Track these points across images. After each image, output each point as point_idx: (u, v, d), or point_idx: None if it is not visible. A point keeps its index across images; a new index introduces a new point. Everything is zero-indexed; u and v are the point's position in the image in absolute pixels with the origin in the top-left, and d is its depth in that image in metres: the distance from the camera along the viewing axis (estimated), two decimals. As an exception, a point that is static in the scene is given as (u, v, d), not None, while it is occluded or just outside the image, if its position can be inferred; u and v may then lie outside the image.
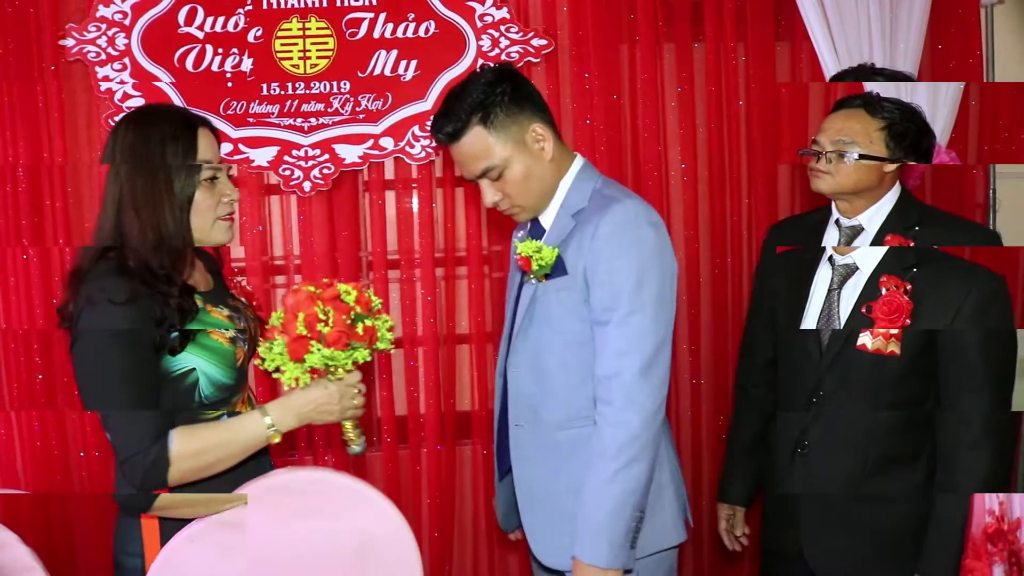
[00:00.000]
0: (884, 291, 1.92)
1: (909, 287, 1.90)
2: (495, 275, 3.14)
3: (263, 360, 1.74)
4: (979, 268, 1.88)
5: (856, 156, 1.93)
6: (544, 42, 2.96)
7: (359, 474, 3.04)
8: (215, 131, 1.81)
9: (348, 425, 1.84)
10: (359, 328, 1.71)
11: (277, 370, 1.72)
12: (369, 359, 1.74)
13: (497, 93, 1.82)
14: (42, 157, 2.83)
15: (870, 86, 2.13)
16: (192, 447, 1.66)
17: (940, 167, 2.52)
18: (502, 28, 2.95)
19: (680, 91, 3.07)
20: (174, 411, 1.70)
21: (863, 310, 1.94)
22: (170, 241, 1.70)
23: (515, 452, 1.95)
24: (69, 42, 2.84)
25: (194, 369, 1.72)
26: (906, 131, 1.95)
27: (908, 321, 1.88)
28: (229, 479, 1.74)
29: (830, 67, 2.96)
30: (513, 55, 2.95)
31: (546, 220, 1.93)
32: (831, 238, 2.07)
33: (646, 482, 1.78)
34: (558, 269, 1.84)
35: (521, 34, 2.96)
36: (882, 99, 1.98)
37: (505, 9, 2.95)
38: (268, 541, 1.72)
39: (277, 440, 1.74)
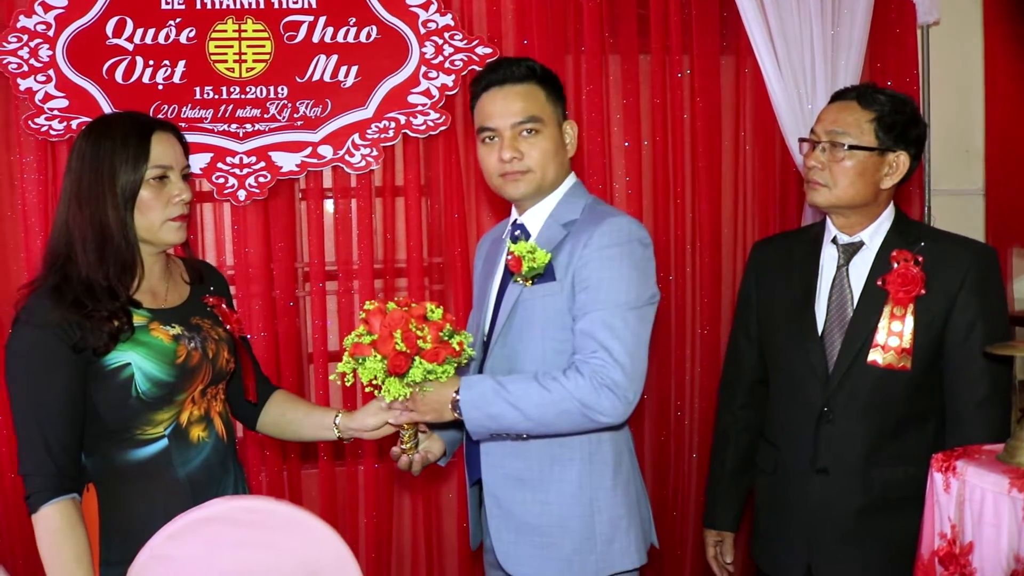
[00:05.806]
0: (896, 264, 2.02)
1: (921, 259, 2.01)
2: (435, 287, 3.07)
3: (354, 372, 1.78)
4: (976, 242, 2.14)
5: (847, 146, 2.00)
6: (489, 51, 2.90)
7: (294, 493, 2.96)
8: (179, 134, 1.82)
9: (408, 433, 1.91)
10: (453, 343, 1.78)
11: (374, 385, 1.78)
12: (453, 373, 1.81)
13: (552, 79, 1.94)
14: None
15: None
16: (60, 525, 1.66)
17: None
18: (446, 35, 2.88)
19: (625, 103, 3.05)
20: (79, 476, 1.72)
21: (878, 283, 2.02)
22: (112, 239, 1.72)
23: (485, 460, 1.92)
24: (-14, 53, 2.71)
25: (129, 364, 1.72)
26: (895, 122, 2.01)
27: (923, 291, 1.99)
28: (183, 492, 1.77)
29: (773, 82, 2.97)
30: (457, 63, 2.89)
31: (532, 226, 1.95)
32: (829, 254, 2.11)
33: (537, 433, 1.81)
34: (547, 274, 1.86)
35: (465, 42, 2.89)
36: (875, 91, 2.05)
37: (449, 16, 2.88)
38: (204, 575, 1.62)
39: None
